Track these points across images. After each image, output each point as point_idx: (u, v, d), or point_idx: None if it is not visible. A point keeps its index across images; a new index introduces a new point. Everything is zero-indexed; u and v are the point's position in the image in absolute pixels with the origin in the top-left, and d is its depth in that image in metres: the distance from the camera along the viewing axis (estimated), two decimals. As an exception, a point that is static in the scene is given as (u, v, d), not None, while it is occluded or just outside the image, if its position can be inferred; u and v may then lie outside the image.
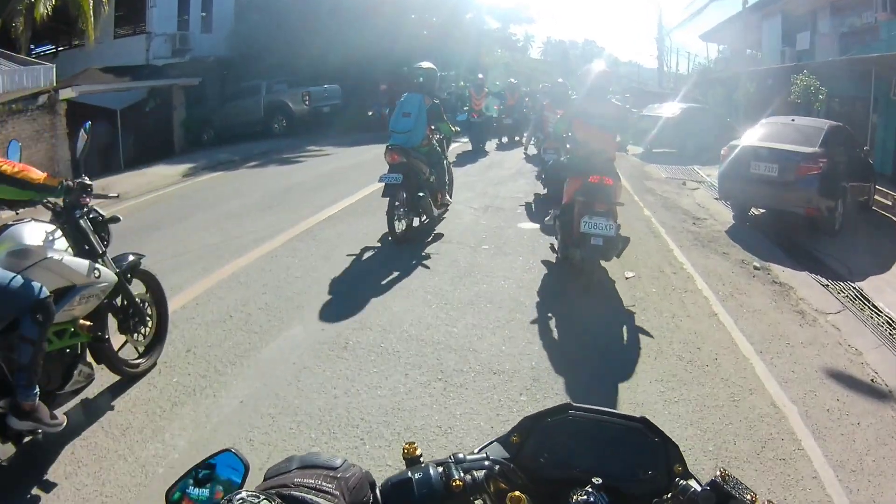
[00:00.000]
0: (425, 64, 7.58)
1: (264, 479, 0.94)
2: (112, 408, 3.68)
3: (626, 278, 6.30)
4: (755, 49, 29.09)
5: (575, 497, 1.04)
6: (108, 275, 3.50)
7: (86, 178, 3.44)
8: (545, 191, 9.90)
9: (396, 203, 6.85)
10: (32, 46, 18.67)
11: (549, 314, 5.30)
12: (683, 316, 5.43)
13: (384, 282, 5.98)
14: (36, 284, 2.90)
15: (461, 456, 1.08)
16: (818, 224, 8.82)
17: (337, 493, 0.87)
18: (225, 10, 22.39)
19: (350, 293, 5.66)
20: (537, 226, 8.10)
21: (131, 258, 3.86)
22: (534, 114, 14.97)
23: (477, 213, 8.95)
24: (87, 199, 3.48)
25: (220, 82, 21.16)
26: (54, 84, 14.16)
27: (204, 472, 0.94)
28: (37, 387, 2.83)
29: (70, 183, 3.37)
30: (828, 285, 6.61)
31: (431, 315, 5.20)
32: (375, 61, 21.09)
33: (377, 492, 0.99)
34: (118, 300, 3.77)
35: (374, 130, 19.41)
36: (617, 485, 1.09)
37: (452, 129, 8.11)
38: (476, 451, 1.14)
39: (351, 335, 4.75)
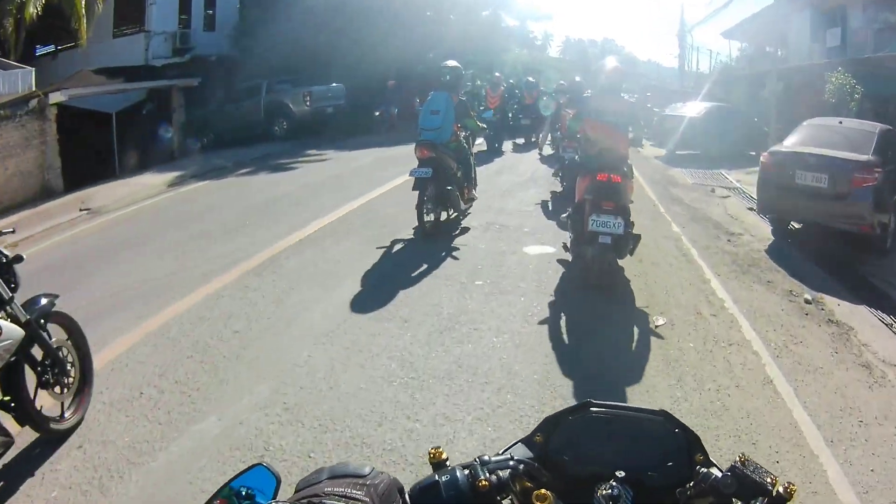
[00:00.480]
0: (451, 63, 7.83)
1: (295, 492, 0.92)
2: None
3: (656, 327, 5.20)
4: (779, 47, 27.93)
5: (600, 491, 1.06)
6: (11, 330, 3.13)
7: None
8: (562, 188, 9.69)
9: (425, 197, 7.07)
10: (38, 47, 18.16)
11: (550, 391, 4.08)
12: (731, 386, 4.28)
13: (335, 344, 4.75)
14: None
15: (486, 458, 1.08)
16: (868, 242, 7.82)
17: (367, 499, 0.88)
18: (229, 6, 21.73)
19: (291, 359, 4.52)
20: (547, 249, 7.18)
21: (44, 301, 3.50)
22: (549, 112, 14.35)
23: (476, 233, 7.84)
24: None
25: (224, 82, 20.17)
26: (32, 89, 13.48)
27: (238, 489, 0.95)
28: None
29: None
30: (892, 324, 5.67)
31: (390, 399, 3.94)
32: (386, 59, 20.11)
33: (406, 496, 0.97)
34: (34, 350, 3.39)
35: (380, 132, 18.70)
36: (640, 477, 1.10)
37: (479, 125, 8.55)
38: (501, 452, 1.15)
39: (273, 435, 3.57)
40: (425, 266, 6.54)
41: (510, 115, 17.18)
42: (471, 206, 8.30)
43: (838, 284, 6.62)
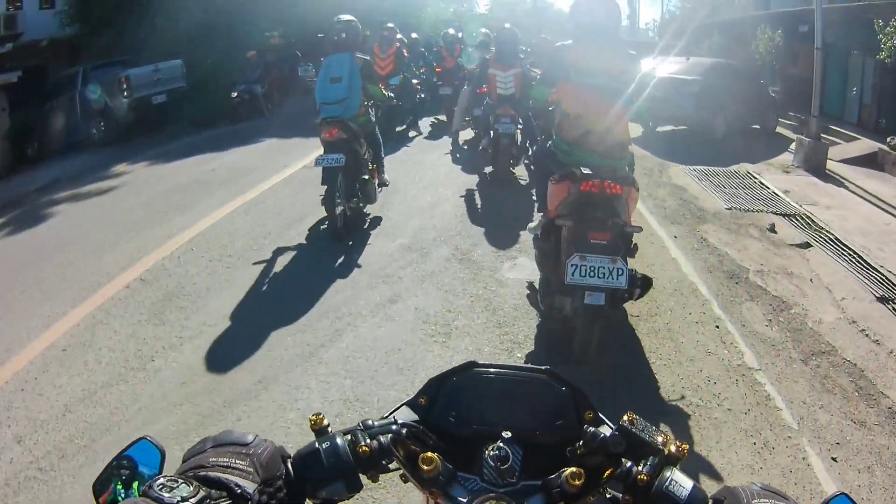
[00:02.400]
0: (346, 17, 6.22)
1: (182, 462, 0.89)
2: None
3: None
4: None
5: (487, 452, 1.01)
6: None
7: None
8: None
9: (337, 191, 5.72)
10: None
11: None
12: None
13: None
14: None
15: (370, 422, 1.02)
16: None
17: (250, 469, 0.88)
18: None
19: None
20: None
21: None
22: (468, 78, 10.24)
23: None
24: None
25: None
26: None
27: (125, 470, 0.92)
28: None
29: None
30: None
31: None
32: (246, 24, 15.51)
33: (289, 464, 0.95)
34: None
35: (240, 120, 13.67)
36: (528, 436, 1.06)
37: (385, 93, 6.81)
38: (386, 415, 1.08)
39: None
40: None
41: (418, 83, 12.29)
42: (381, 191, 6.79)
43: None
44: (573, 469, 0.94)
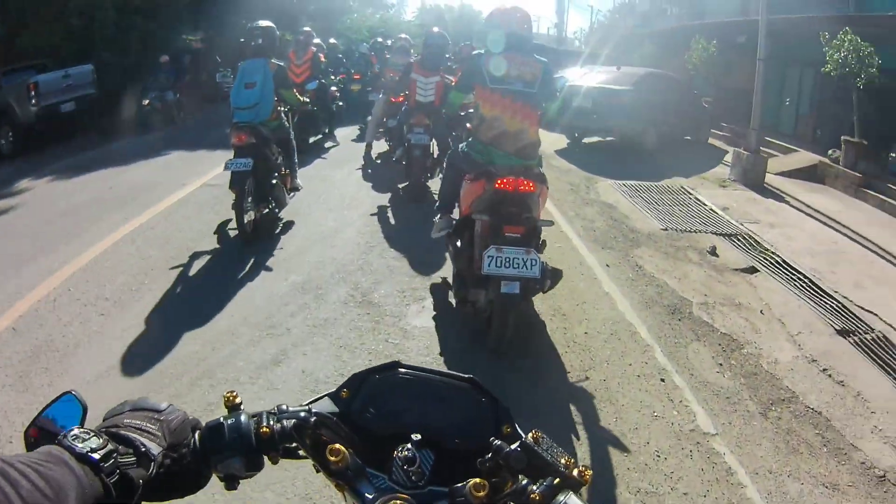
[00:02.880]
0: (264, 22, 6.29)
1: (103, 420, 0.92)
2: None
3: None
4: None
5: (397, 453, 1.02)
6: None
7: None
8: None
9: (246, 194, 5.73)
10: None
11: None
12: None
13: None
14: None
15: (284, 407, 1.01)
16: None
17: (159, 433, 0.92)
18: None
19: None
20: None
21: None
22: (384, 86, 9.65)
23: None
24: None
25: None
26: None
27: (48, 417, 0.94)
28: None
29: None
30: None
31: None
32: (164, 26, 14.53)
33: (195, 435, 0.96)
34: None
35: (151, 129, 12.38)
36: (442, 442, 1.07)
37: (300, 98, 6.72)
38: (306, 403, 1.07)
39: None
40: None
41: (336, 90, 11.44)
42: (293, 196, 6.67)
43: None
44: (478, 480, 0.94)
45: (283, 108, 6.44)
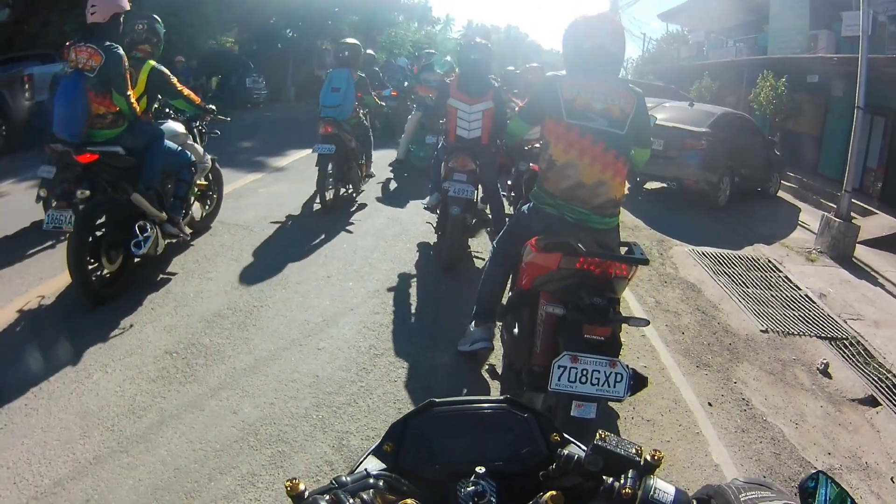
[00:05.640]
0: (350, 39, 7.95)
1: None
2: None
3: None
4: (738, 33, 22.13)
5: (464, 489, 1.00)
6: (208, 160, 5.84)
7: (211, 106, 5.76)
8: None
9: (329, 172, 7.04)
10: None
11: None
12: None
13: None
14: (188, 153, 5.21)
15: (343, 479, 0.99)
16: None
17: None
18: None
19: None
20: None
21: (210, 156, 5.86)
22: (418, 103, 9.59)
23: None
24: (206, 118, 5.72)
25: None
26: None
27: None
28: (183, 211, 5.12)
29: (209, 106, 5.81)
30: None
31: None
32: (193, 25, 14.06)
33: None
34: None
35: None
36: (500, 468, 1.07)
37: (378, 102, 8.43)
38: (354, 468, 1.06)
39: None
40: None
41: (366, 113, 10.26)
42: (367, 181, 8.29)
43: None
44: (553, 492, 0.94)
45: (362, 111, 7.80)
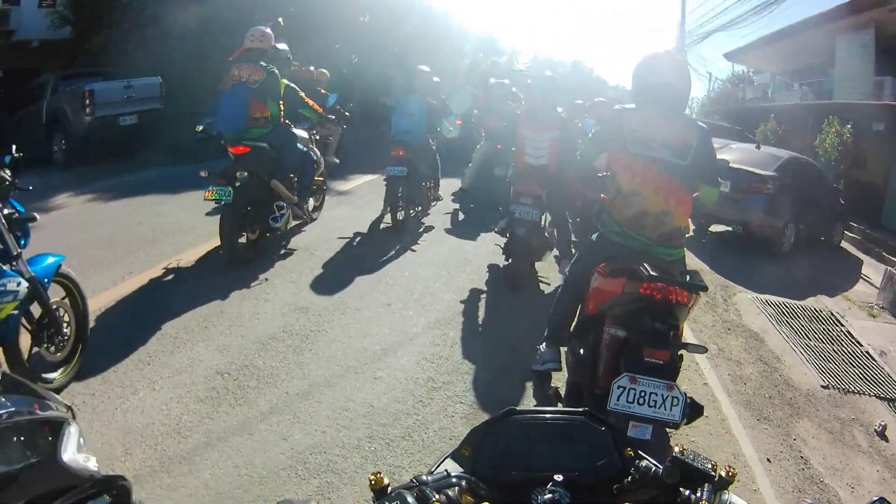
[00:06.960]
0: (425, 68, 8.34)
1: None
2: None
3: None
4: (804, 75, 21.88)
5: (540, 497, 1.03)
6: (322, 161, 6.01)
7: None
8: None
9: (399, 194, 7.27)
10: None
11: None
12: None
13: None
14: (311, 153, 6.52)
15: (425, 478, 1.03)
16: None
17: None
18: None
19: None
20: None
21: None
22: (487, 133, 9.55)
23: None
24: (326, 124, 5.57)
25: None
26: None
27: None
28: (307, 198, 6.40)
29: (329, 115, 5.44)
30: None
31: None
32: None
33: None
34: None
35: (205, 159, 9.78)
36: (575, 478, 1.09)
37: (449, 128, 8.91)
38: (433, 469, 1.09)
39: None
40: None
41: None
42: (435, 204, 8.81)
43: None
44: None
45: (431, 137, 8.13)
